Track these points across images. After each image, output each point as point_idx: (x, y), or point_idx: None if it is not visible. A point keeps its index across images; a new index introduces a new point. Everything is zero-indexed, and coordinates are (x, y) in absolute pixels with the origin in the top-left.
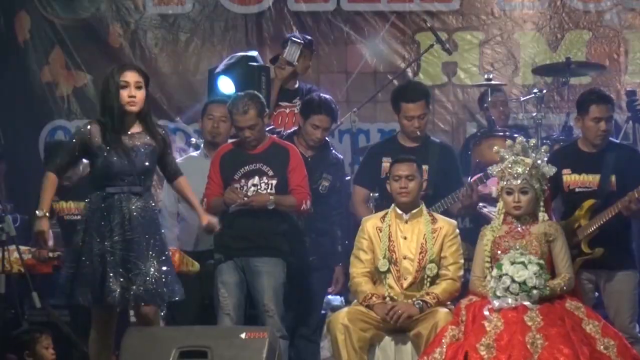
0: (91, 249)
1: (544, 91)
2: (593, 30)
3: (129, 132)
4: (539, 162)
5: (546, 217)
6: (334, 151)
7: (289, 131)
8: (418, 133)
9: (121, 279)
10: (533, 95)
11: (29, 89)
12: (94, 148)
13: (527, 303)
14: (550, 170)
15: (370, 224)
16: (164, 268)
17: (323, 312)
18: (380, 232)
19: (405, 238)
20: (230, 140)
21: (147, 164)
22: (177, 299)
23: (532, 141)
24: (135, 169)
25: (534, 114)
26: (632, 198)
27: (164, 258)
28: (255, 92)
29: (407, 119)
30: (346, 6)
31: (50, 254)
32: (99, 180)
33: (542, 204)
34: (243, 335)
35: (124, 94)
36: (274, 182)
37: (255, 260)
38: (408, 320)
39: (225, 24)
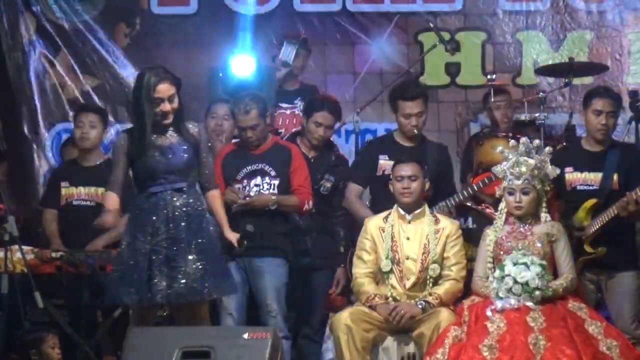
0: (135, 249)
1: (547, 91)
2: (595, 30)
3: (164, 133)
4: (543, 163)
5: (549, 218)
6: (339, 152)
7: (292, 131)
8: (415, 132)
9: (166, 277)
10: (536, 95)
11: (34, 91)
12: (133, 153)
13: (529, 304)
14: (554, 171)
15: (373, 224)
16: (209, 265)
17: (325, 312)
18: (383, 232)
19: (408, 238)
20: (232, 141)
21: (185, 160)
22: (216, 297)
23: (536, 142)
24: (175, 167)
25: (537, 115)
26: (630, 199)
27: (207, 255)
28: (258, 92)
29: (404, 117)
30: (351, 7)
31: (53, 254)
32: (141, 181)
33: (544, 204)
34: (246, 336)
35: (158, 109)
36: (276, 182)
37: (258, 261)
38: (411, 321)
39: (230, 24)
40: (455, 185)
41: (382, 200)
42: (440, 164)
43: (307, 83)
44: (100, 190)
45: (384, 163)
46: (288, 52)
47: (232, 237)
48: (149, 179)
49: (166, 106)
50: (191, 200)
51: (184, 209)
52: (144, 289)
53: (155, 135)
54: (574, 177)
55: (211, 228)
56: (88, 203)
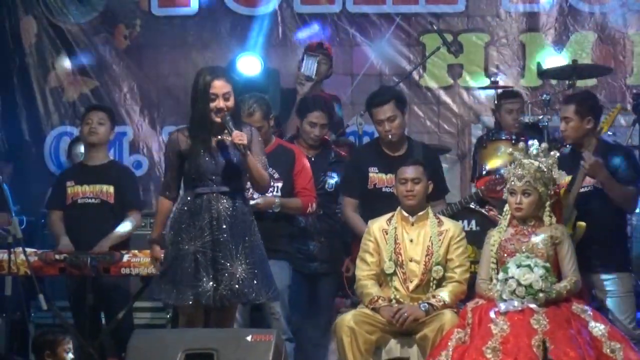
0: (180, 249)
1: (551, 94)
2: (598, 32)
3: (217, 135)
4: (548, 166)
5: (553, 220)
6: (336, 149)
7: (288, 136)
8: (390, 137)
9: (212, 280)
10: (540, 98)
11: (35, 94)
12: (184, 152)
13: (533, 306)
14: (561, 176)
15: (376, 226)
16: (253, 269)
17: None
18: (386, 234)
19: (411, 241)
20: None
21: (234, 163)
22: (263, 301)
23: (544, 145)
24: (223, 169)
25: (540, 117)
26: (587, 156)
27: (253, 259)
28: (262, 94)
29: (377, 123)
30: (352, 8)
31: (57, 256)
32: (189, 181)
33: (547, 207)
34: (249, 338)
35: (212, 105)
36: (280, 184)
37: None
38: (414, 323)
39: (230, 25)
40: (446, 185)
41: (375, 213)
42: (429, 165)
43: (330, 93)
44: (105, 187)
45: (374, 176)
46: (309, 66)
47: None
48: (196, 179)
49: (220, 103)
50: (237, 204)
51: (229, 212)
52: (188, 290)
53: (207, 135)
54: (566, 181)
55: (258, 232)
56: (93, 200)
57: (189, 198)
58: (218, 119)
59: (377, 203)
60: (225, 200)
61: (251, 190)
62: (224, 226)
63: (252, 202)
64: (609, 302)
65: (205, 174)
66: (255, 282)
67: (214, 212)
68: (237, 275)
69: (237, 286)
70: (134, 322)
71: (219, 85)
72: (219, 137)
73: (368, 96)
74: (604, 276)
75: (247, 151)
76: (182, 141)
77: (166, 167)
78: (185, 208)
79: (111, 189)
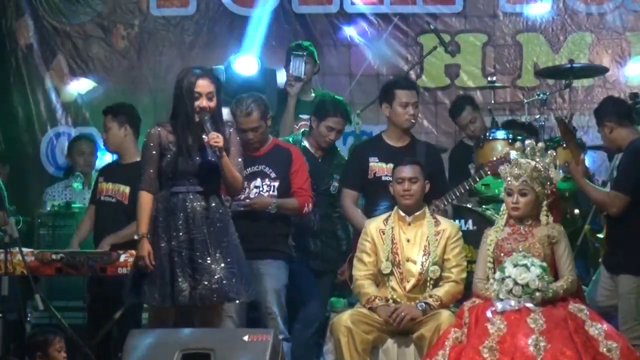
0: (158, 249)
1: (547, 94)
2: (595, 32)
3: (198, 134)
4: (545, 165)
5: (550, 220)
6: (340, 151)
7: (298, 132)
8: (413, 121)
9: (189, 279)
10: (536, 97)
11: (31, 94)
12: (163, 148)
13: (530, 305)
14: (557, 176)
15: (373, 226)
16: (231, 268)
17: (327, 314)
18: (383, 234)
19: (408, 240)
20: None
21: (212, 164)
22: (243, 300)
23: (541, 144)
24: (201, 169)
25: (537, 116)
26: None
27: (232, 259)
28: (259, 94)
29: (401, 106)
30: (349, 8)
31: (54, 256)
32: (165, 179)
33: (544, 206)
34: (246, 338)
35: (195, 104)
36: (276, 184)
37: (257, 263)
38: (411, 323)
39: (228, 26)
40: (448, 184)
41: (376, 203)
42: (432, 164)
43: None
44: (122, 187)
45: (375, 165)
46: (297, 66)
47: None
48: (173, 178)
49: (203, 102)
50: (214, 204)
51: (205, 212)
52: (167, 290)
53: (188, 134)
54: None
55: (235, 233)
56: (110, 199)
57: (165, 197)
58: (198, 118)
59: (377, 192)
60: (201, 200)
61: (247, 189)
62: (200, 225)
63: (247, 202)
64: None
65: (182, 173)
66: (234, 281)
67: (190, 211)
68: (217, 275)
69: (216, 285)
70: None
71: (203, 85)
72: (202, 136)
73: (390, 81)
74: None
75: (222, 153)
76: (163, 137)
77: (147, 161)
78: (161, 207)
79: (127, 189)
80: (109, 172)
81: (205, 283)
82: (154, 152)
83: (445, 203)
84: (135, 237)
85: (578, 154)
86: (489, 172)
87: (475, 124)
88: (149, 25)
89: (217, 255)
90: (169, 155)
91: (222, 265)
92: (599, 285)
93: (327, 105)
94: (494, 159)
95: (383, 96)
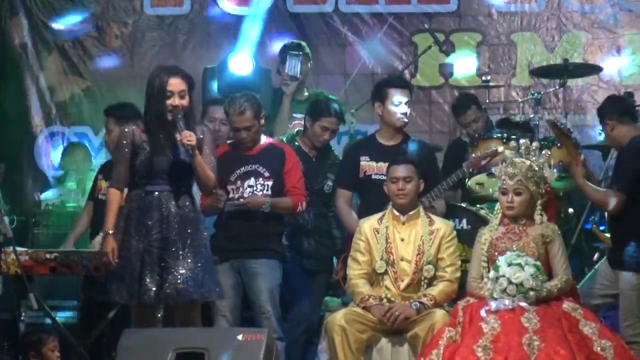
0: (130, 247)
1: (542, 93)
2: (590, 31)
3: (171, 133)
4: (539, 165)
5: (544, 219)
6: (333, 151)
7: (292, 132)
8: (405, 120)
9: (157, 278)
10: (530, 96)
11: (26, 94)
12: (137, 147)
13: (524, 304)
14: (552, 175)
15: (368, 225)
16: (199, 268)
17: (321, 313)
18: (378, 233)
19: (402, 240)
20: (227, 142)
21: (185, 163)
22: (212, 299)
23: (535, 144)
24: (175, 168)
25: (532, 116)
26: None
27: (200, 258)
28: (253, 93)
29: (394, 104)
30: (344, 7)
31: (48, 255)
32: (139, 178)
33: (539, 206)
34: (240, 337)
35: (167, 103)
36: (270, 183)
37: (251, 262)
38: (405, 322)
39: (222, 25)
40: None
41: (369, 203)
42: (424, 162)
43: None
44: None
45: (365, 164)
46: (293, 65)
47: None
48: (147, 177)
49: (175, 100)
50: (186, 204)
51: (179, 211)
52: (132, 289)
53: (161, 133)
54: None
55: (205, 233)
56: (105, 197)
57: (138, 196)
58: (170, 117)
59: (368, 191)
60: (174, 199)
61: (240, 189)
62: (173, 225)
63: (241, 201)
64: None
65: (156, 172)
66: (202, 281)
67: (164, 211)
68: (183, 274)
69: (182, 285)
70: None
71: (175, 83)
72: (176, 135)
73: (383, 79)
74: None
75: (195, 151)
76: (137, 135)
77: (119, 159)
78: (135, 205)
79: (125, 189)
80: (108, 171)
81: (172, 282)
82: (126, 151)
83: (431, 200)
84: (102, 234)
85: (577, 154)
86: (471, 169)
87: (477, 124)
88: (143, 24)
89: (187, 255)
90: (142, 154)
91: (191, 265)
92: (599, 274)
93: (321, 105)
94: (475, 155)
95: (376, 95)
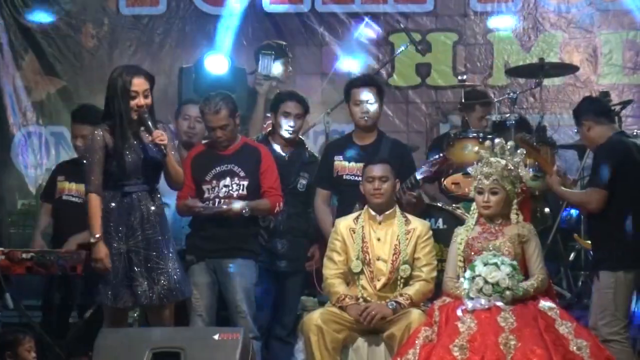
0: (111, 248)
1: (518, 92)
2: (566, 31)
3: (136, 132)
4: (515, 164)
5: (520, 218)
6: (309, 149)
7: (263, 132)
8: (365, 120)
9: (147, 279)
10: (506, 96)
11: (2, 94)
12: (109, 150)
13: (500, 304)
14: (527, 174)
15: (344, 225)
16: (179, 267)
17: (298, 313)
18: (354, 233)
19: (378, 239)
20: (203, 142)
21: (156, 161)
22: (187, 297)
23: (510, 143)
24: (147, 167)
25: (508, 115)
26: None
27: (177, 256)
28: (228, 92)
29: (355, 104)
30: (320, 7)
31: (24, 255)
32: (114, 180)
33: (515, 205)
34: (216, 336)
35: (133, 103)
36: (245, 182)
37: (227, 262)
38: (381, 322)
39: (198, 25)
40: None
41: (341, 202)
42: (397, 160)
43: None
44: None
45: (338, 164)
46: (265, 64)
47: None
48: (124, 178)
49: (141, 100)
50: (160, 202)
51: (157, 209)
52: (124, 291)
53: (129, 133)
54: None
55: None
56: (75, 199)
57: (116, 197)
58: (135, 117)
59: (340, 191)
60: (151, 198)
61: (216, 188)
62: (154, 224)
63: (224, 208)
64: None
65: (131, 172)
66: (183, 279)
67: (144, 211)
68: (172, 274)
69: (174, 284)
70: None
71: (139, 83)
72: (147, 135)
73: (349, 79)
74: (591, 272)
75: (167, 150)
76: (108, 139)
77: (94, 164)
78: (113, 206)
79: None
80: (70, 172)
81: (164, 283)
82: (98, 157)
83: (395, 199)
84: (92, 240)
85: (550, 165)
86: (422, 177)
87: (486, 120)
88: (119, 24)
89: (170, 254)
90: (115, 156)
91: (177, 264)
92: None
93: (280, 95)
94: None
95: (344, 96)
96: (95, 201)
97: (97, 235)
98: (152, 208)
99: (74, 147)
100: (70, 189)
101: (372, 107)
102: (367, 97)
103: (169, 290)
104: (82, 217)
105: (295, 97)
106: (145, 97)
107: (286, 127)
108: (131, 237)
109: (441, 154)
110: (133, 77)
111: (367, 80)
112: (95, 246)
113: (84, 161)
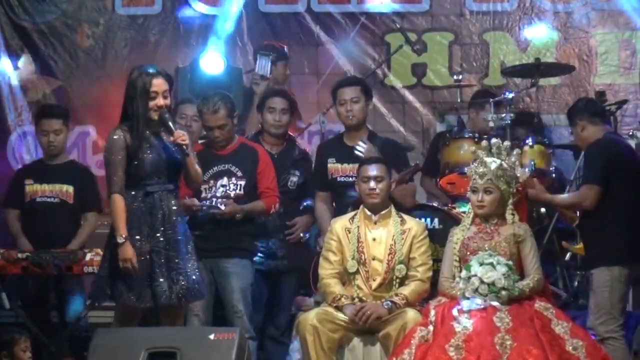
0: (134, 249)
1: (513, 92)
2: (562, 31)
3: (157, 132)
4: (510, 164)
5: (516, 218)
6: (301, 147)
7: (253, 132)
8: (350, 119)
9: (167, 279)
10: (502, 96)
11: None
12: (131, 151)
13: (496, 304)
14: (523, 174)
15: (339, 225)
16: (197, 267)
17: (292, 313)
18: (349, 233)
19: (374, 239)
20: (200, 141)
21: (176, 161)
22: (204, 297)
23: (507, 143)
24: (168, 167)
25: (504, 115)
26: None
27: (196, 256)
28: (226, 92)
29: (340, 103)
30: (316, 7)
31: (19, 255)
32: (136, 179)
33: (510, 205)
34: (212, 336)
35: (152, 103)
36: (243, 182)
37: (224, 262)
38: (377, 321)
39: (194, 24)
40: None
41: (336, 204)
42: (389, 159)
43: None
44: (65, 187)
45: (332, 167)
46: (263, 65)
47: None
48: (146, 178)
49: (160, 101)
50: (179, 202)
51: (177, 209)
52: (145, 291)
53: (149, 134)
54: None
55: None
56: (52, 200)
57: (137, 197)
58: (156, 117)
59: (335, 193)
60: (172, 197)
61: (213, 188)
62: (175, 224)
63: (220, 209)
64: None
65: (153, 172)
66: (201, 279)
67: (166, 210)
68: (191, 274)
69: (192, 284)
70: (97, 321)
71: (159, 84)
72: (163, 134)
73: (334, 83)
74: (586, 270)
75: (189, 150)
76: (128, 140)
77: (115, 165)
78: (135, 206)
79: (71, 188)
80: (38, 173)
81: (183, 283)
82: (120, 157)
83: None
84: (119, 240)
85: (531, 183)
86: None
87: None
88: (115, 24)
89: (189, 254)
90: (138, 156)
91: (196, 264)
92: None
93: (265, 92)
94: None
95: (332, 99)
96: (119, 202)
97: (124, 236)
98: (174, 208)
99: (42, 145)
100: (44, 190)
101: (357, 105)
102: (351, 95)
103: (188, 290)
104: (63, 216)
105: (279, 93)
106: (165, 97)
107: (272, 122)
108: (153, 237)
109: (417, 162)
110: (153, 77)
111: (351, 79)
112: (122, 247)
113: (105, 163)
